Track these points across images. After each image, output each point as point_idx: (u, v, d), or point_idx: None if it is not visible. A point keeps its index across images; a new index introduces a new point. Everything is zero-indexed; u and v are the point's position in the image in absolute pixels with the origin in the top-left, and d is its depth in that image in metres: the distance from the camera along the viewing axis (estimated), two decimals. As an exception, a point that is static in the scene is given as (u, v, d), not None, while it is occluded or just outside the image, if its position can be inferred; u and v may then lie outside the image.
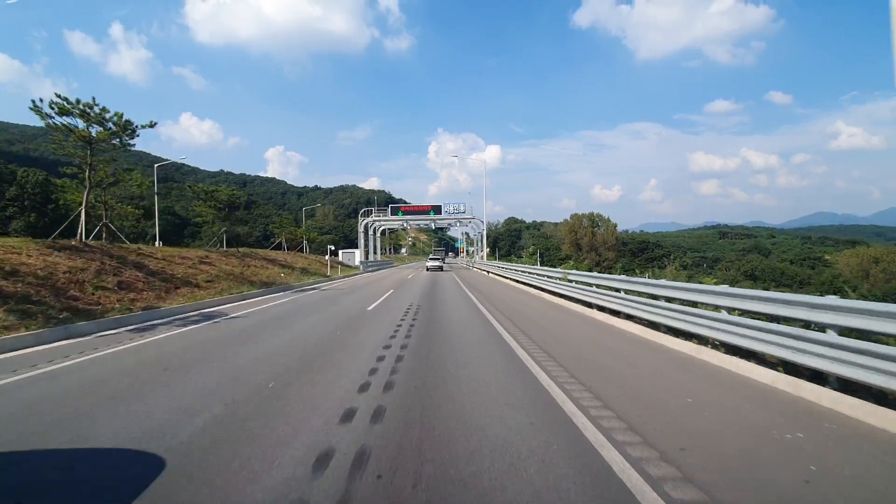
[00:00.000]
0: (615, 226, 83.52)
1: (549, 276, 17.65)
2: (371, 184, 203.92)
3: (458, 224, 56.79)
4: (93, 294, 10.77)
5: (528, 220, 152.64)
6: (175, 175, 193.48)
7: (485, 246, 47.35)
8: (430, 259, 42.79)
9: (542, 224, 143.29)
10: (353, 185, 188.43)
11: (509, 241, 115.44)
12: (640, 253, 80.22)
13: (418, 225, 58.80)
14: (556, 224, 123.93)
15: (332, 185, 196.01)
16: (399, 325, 9.12)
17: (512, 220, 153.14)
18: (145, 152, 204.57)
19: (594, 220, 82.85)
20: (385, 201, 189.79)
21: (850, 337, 4.34)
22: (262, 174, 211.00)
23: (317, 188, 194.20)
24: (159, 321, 10.27)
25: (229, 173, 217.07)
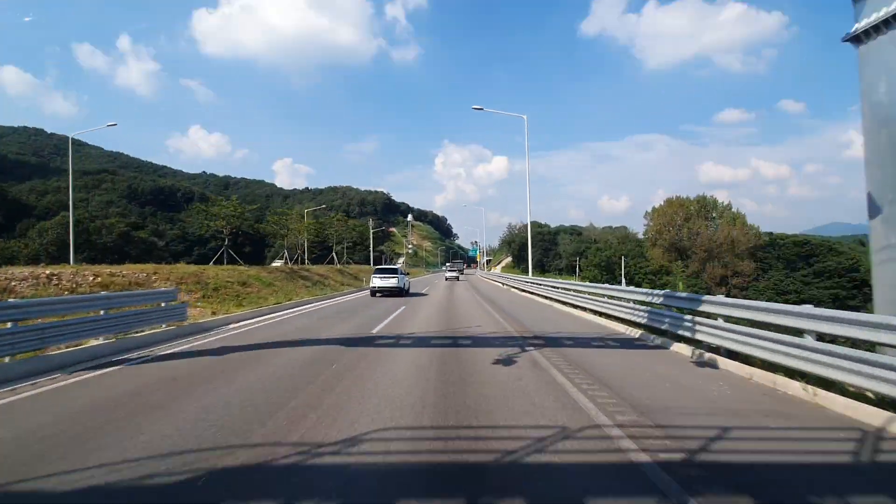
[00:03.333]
0: (743, 217, 52.15)
1: None
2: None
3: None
4: None
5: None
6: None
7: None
8: (448, 270, 47.07)
9: (571, 227, 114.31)
10: (347, 186, 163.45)
11: (540, 248, 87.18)
12: (806, 261, 49.23)
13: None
14: (603, 228, 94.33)
15: (323, 187, 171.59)
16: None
17: (534, 224, 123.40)
18: (122, 153, 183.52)
19: (706, 207, 53.07)
20: (384, 203, 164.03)
21: None
22: (246, 177, 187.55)
23: (306, 190, 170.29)
24: None
25: (212, 175, 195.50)
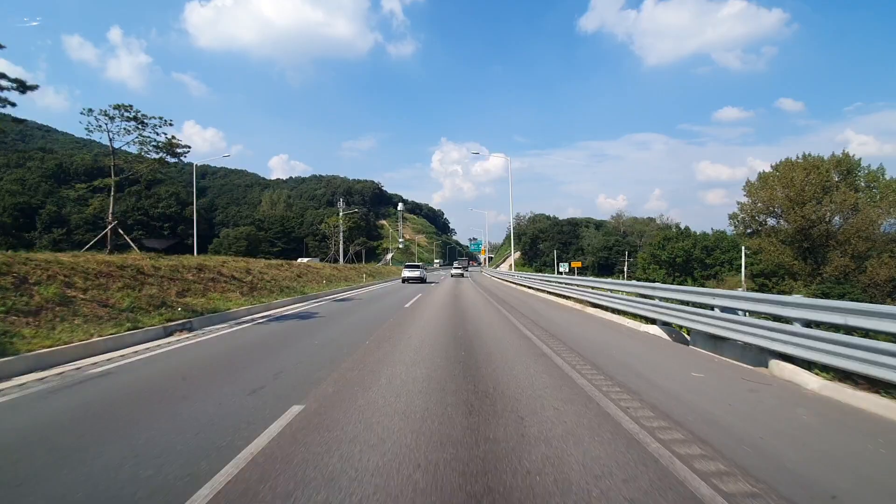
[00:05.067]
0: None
1: None
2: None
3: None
4: None
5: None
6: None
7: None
8: (454, 268, 48.08)
9: (586, 220, 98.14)
10: (333, 175, 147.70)
11: (558, 241, 71.66)
12: None
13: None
14: (639, 219, 78.99)
15: (306, 176, 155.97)
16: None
17: (542, 217, 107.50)
18: (93, 140, 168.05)
19: (852, 171, 34.18)
20: (374, 194, 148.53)
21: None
22: (230, 167, 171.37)
23: (290, 179, 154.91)
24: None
25: (189, 162, 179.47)
